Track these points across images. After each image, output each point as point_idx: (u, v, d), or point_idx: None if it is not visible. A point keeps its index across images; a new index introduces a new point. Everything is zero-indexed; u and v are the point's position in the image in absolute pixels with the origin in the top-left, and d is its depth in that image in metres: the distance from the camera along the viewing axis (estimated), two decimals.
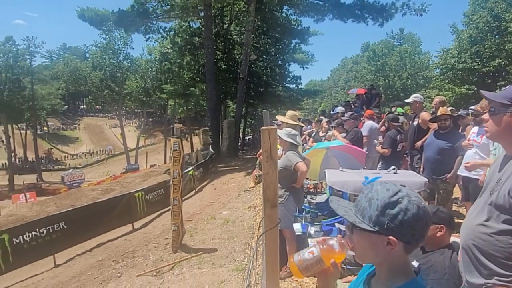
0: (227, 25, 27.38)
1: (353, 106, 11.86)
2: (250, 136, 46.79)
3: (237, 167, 18.24)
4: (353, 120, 6.94)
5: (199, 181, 15.01)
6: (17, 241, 7.15)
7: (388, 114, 7.30)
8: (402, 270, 1.05)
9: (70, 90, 73.61)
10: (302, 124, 9.10)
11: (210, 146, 21.28)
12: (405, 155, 6.61)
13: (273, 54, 30.92)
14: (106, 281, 5.83)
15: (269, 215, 1.88)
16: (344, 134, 6.78)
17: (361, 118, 7.87)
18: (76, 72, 68.08)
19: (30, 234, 7.36)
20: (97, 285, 5.84)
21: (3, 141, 56.55)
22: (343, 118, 7.52)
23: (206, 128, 23.38)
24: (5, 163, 51.38)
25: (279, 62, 31.92)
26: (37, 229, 7.51)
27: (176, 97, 33.91)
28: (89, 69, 51.16)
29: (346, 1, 23.62)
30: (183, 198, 7.40)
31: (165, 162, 37.90)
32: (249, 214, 7.98)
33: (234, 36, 27.57)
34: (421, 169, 5.46)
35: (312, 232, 4.87)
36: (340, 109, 9.79)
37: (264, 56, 30.16)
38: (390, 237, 0.99)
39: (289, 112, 6.09)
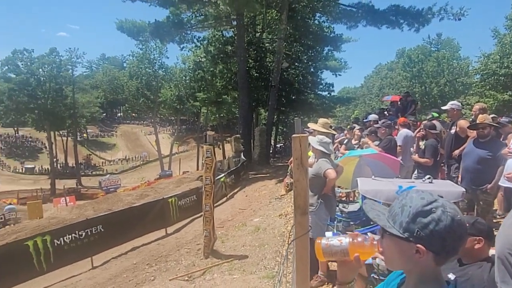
0: (259, 33, 27.68)
1: (387, 114, 11.59)
2: (282, 144, 46.71)
3: (268, 175, 18.25)
4: (386, 127, 6.78)
5: (231, 188, 15.14)
6: (58, 242, 7.50)
7: (425, 121, 7.08)
8: (432, 279, 1.03)
9: (108, 98, 76.44)
10: (334, 132, 8.99)
11: (242, 154, 21.44)
12: (441, 164, 6.38)
13: (305, 61, 30.87)
14: (140, 284, 6.00)
15: (299, 222, 1.88)
16: (377, 142, 6.64)
17: (395, 126, 7.67)
18: (114, 81, 70.83)
19: (70, 236, 7.71)
20: (132, 287, 6.01)
21: (46, 147, 59.68)
22: (376, 125, 7.37)
23: (238, 135, 23.60)
24: (48, 168, 54.17)
25: (311, 69, 31.82)
26: (77, 232, 7.86)
27: (209, 104, 34.51)
28: (126, 78, 53.10)
29: (380, 7, 23.32)
30: (215, 205, 7.50)
31: (197, 169, 38.53)
32: (280, 222, 7.96)
33: (266, 44, 27.79)
34: (459, 179, 5.25)
35: None
36: (373, 116, 9.60)
37: (296, 63, 30.16)
38: (419, 245, 0.98)
39: (321, 120, 6.04)
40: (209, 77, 30.30)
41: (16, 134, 70.87)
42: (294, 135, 1.99)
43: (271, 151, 31.97)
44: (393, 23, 22.97)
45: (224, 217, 10.51)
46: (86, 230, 8.02)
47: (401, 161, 6.08)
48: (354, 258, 1.21)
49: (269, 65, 27.01)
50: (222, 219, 10.15)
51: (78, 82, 57.44)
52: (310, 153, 4.90)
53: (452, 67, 46.28)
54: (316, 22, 27.80)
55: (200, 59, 32.20)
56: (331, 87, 33.20)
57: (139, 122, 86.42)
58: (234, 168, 18.58)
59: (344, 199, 7.31)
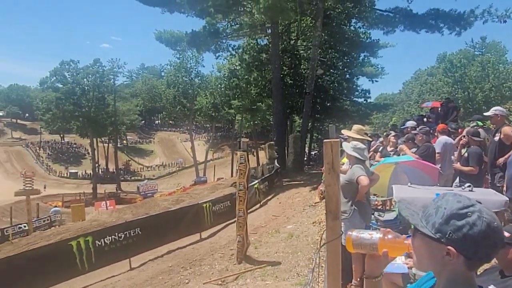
0: (293, 40, 27.70)
1: (426, 121, 11.20)
2: (316, 151, 46.13)
3: (302, 182, 18.10)
4: (424, 134, 6.56)
5: (264, 195, 15.15)
6: (99, 243, 7.86)
7: (468, 128, 6.79)
8: (462, 284, 1.01)
9: (147, 106, 79.09)
10: (369, 139, 8.80)
11: (276, 161, 21.40)
12: (485, 173, 6.08)
13: (340, 68, 30.43)
14: (175, 286, 6.15)
15: (331, 227, 1.89)
16: (414, 149, 6.43)
17: (434, 133, 7.40)
18: (152, 90, 73.27)
19: (110, 237, 8.06)
20: None
21: (89, 153, 62.59)
22: (413, 132, 7.15)
23: (272, 142, 23.62)
24: (90, 173, 56.75)
25: (347, 76, 31.25)
26: (116, 233, 8.20)
27: (243, 112, 34.80)
28: (164, 87, 54.73)
29: (418, 11, 22.65)
30: (248, 211, 7.55)
31: (231, 175, 38.87)
32: (313, 229, 7.88)
33: (301, 52, 27.73)
34: (504, 188, 4.98)
35: None
36: (411, 123, 9.32)
37: (331, 70, 29.77)
38: (449, 247, 0.97)
39: (355, 126, 5.95)
40: (244, 85, 30.61)
41: (62, 141, 75.03)
42: (325, 140, 2.00)
43: (305, 159, 31.69)
44: (432, 27, 22.25)
45: (258, 223, 10.54)
46: (125, 232, 8.34)
47: (440, 169, 5.86)
48: (382, 253, 1.22)
49: (303, 72, 26.89)
50: (255, 225, 10.19)
51: (119, 91, 59.96)
52: (345, 160, 4.84)
53: (498, 71, 44.06)
54: (352, 28, 27.41)
55: (235, 67, 32.65)
56: (367, 94, 32.53)
57: (175, 129, 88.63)
58: (268, 175, 18.59)
59: (380, 207, 7.13)
